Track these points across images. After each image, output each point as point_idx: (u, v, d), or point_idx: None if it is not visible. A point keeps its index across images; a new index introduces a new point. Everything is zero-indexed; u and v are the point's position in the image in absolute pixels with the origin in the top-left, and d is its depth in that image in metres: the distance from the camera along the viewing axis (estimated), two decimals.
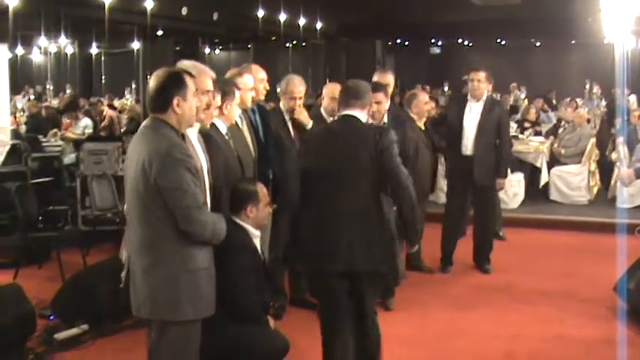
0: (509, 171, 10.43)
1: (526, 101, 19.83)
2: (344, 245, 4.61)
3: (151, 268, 3.75)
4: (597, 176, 11.48)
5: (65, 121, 13.89)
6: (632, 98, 17.39)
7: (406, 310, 6.70)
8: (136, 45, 23.93)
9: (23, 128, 14.33)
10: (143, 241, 3.77)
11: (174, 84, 3.74)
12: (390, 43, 29.32)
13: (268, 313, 4.70)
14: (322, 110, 6.78)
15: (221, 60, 32.68)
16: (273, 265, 5.64)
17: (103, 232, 8.74)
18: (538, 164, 11.21)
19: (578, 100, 19.12)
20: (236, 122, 5.13)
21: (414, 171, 7.21)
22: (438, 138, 8.07)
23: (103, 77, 29.12)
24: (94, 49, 28.40)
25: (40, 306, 6.29)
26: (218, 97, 4.43)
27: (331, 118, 6.58)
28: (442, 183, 9.55)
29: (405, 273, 7.65)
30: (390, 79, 6.94)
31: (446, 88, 24.89)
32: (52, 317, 6.21)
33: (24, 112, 16.89)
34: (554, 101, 20.79)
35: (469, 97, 7.79)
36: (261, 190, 4.65)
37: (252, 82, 5.60)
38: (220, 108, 4.69)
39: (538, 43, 32.19)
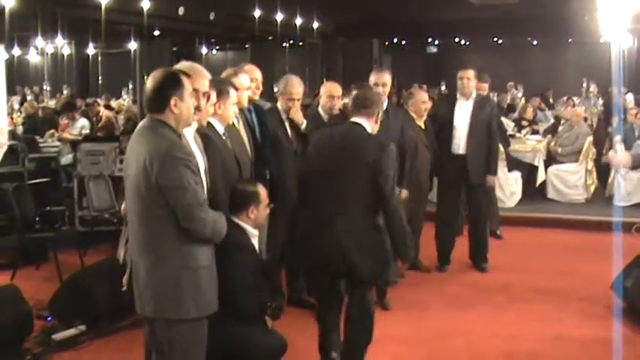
0: (506, 170, 10.53)
1: (523, 100, 19.84)
2: (335, 247, 4.72)
3: (153, 267, 3.77)
4: (594, 175, 11.49)
5: (62, 121, 13.87)
6: (629, 97, 17.42)
7: (404, 309, 6.70)
8: (132, 45, 23.95)
9: (20, 129, 14.31)
10: (144, 241, 3.79)
11: (171, 84, 3.77)
12: (386, 42, 29.36)
13: (266, 313, 4.70)
14: (320, 109, 6.78)
15: (218, 60, 32.68)
16: (270, 264, 5.64)
17: (101, 233, 8.72)
18: (535, 163, 11.22)
19: (575, 98, 19.16)
20: (233, 122, 5.13)
21: (413, 169, 7.26)
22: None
23: (100, 78, 29.11)
24: (90, 50, 28.43)
25: (38, 307, 6.27)
26: (213, 95, 4.43)
27: (328, 117, 6.61)
28: None
29: (404, 272, 7.66)
30: (387, 78, 6.94)
31: (443, 87, 24.90)
32: (49, 318, 6.20)
33: (21, 112, 16.87)
34: (551, 100, 20.81)
35: (458, 95, 7.78)
36: (262, 190, 4.68)
37: (248, 81, 5.61)
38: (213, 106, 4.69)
39: (535, 42, 32.27)
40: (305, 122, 6.37)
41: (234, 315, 4.34)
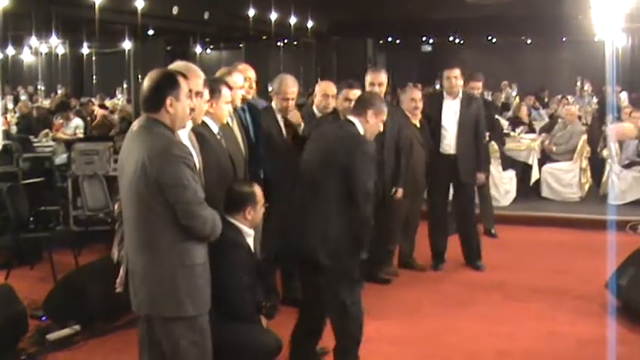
0: (500, 169, 10.54)
1: (517, 99, 19.85)
2: (307, 242, 4.83)
3: (149, 265, 3.78)
4: (588, 173, 11.50)
5: (56, 121, 13.86)
6: (623, 95, 17.46)
7: (398, 308, 6.71)
8: (127, 45, 23.91)
9: (14, 129, 14.29)
10: (141, 239, 3.80)
11: (167, 84, 3.79)
12: (381, 41, 29.37)
13: (261, 312, 4.70)
14: (314, 108, 6.79)
15: (212, 59, 32.64)
16: (265, 264, 5.64)
17: (95, 233, 8.71)
18: (529, 161, 11.23)
19: (569, 97, 19.17)
20: (227, 121, 5.13)
21: (409, 168, 7.27)
22: None
23: (94, 77, 29.06)
24: (85, 49, 28.37)
25: (32, 307, 6.27)
26: (206, 92, 4.44)
27: (322, 115, 6.61)
28: None
29: (397, 271, 7.67)
30: (383, 77, 6.95)
31: (437, 86, 24.89)
32: (43, 318, 6.19)
33: (15, 112, 16.84)
34: (545, 99, 20.84)
35: (445, 94, 7.78)
36: (258, 191, 4.69)
37: (242, 80, 5.61)
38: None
39: (529, 41, 32.28)
40: (302, 125, 6.37)
41: (228, 314, 4.35)
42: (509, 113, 15.68)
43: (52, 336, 5.83)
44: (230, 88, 5.01)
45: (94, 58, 29.27)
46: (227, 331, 4.31)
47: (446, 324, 6.31)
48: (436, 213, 7.96)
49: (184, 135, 4.13)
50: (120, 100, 21.98)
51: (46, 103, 21.11)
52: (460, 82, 7.69)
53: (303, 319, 5.25)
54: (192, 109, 4.03)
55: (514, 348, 5.76)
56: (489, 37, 31.78)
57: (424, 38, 33.22)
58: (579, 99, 19.79)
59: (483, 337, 5.99)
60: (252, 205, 4.62)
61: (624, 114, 12.07)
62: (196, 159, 4.12)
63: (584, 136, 11.70)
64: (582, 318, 6.39)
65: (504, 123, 13.07)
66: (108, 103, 20.16)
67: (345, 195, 4.76)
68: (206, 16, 22.62)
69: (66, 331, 5.90)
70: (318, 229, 4.77)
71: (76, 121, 13.64)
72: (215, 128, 4.82)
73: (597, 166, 11.68)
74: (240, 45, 29.12)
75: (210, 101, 4.65)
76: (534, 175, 11.26)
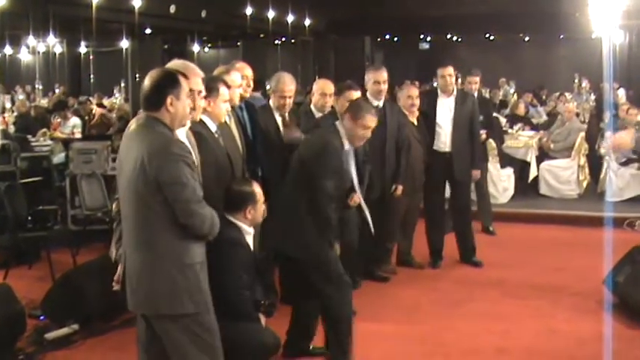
0: (498, 166, 10.55)
1: (515, 96, 19.87)
2: (280, 235, 5.22)
3: (148, 263, 3.77)
4: (587, 170, 11.50)
5: (54, 120, 13.84)
6: (621, 92, 17.47)
7: (396, 305, 6.71)
8: (124, 44, 23.88)
9: (12, 128, 14.27)
10: (140, 238, 3.80)
11: (168, 83, 3.80)
12: (379, 39, 29.32)
13: (259, 311, 4.70)
14: (312, 107, 6.79)
15: (210, 58, 32.60)
16: (264, 262, 5.64)
17: (93, 232, 8.71)
18: (528, 159, 11.24)
19: (567, 94, 19.19)
20: (225, 120, 5.12)
21: (409, 166, 7.28)
22: None
23: (92, 76, 29.01)
24: (82, 48, 28.35)
25: (30, 306, 6.27)
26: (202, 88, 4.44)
27: (320, 114, 6.61)
28: None
29: (396, 269, 7.67)
30: (385, 76, 6.99)
31: (435, 84, 24.91)
32: (42, 317, 6.19)
33: (13, 111, 16.82)
34: (543, 96, 20.85)
35: (439, 92, 7.78)
36: (258, 190, 4.72)
37: (240, 79, 5.60)
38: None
39: (527, 38, 32.26)
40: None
41: (227, 313, 4.34)
42: (507, 110, 15.68)
43: (50, 335, 5.84)
44: (228, 86, 5.01)
45: (91, 57, 29.21)
46: (226, 329, 4.31)
47: (444, 321, 6.31)
48: (433, 211, 7.97)
49: (182, 133, 4.13)
50: (117, 99, 21.97)
51: (44, 102, 21.09)
52: (453, 80, 7.71)
53: (294, 317, 5.44)
54: (192, 109, 4.03)
55: (512, 345, 5.76)
56: (487, 35, 31.75)
57: (422, 36, 33.20)
58: (577, 96, 19.83)
59: (481, 335, 5.99)
60: (253, 205, 4.64)
61: (622, 111, 12.08)
62: (194, 157, 4.12)
63: (582, 134, 11.71)
64: (580, 315, 6.40)
65: (502, 120, 13.08)
66: (106, 102, 20.14)
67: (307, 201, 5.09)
68: (203, 14, 22.62)
69: (64, 331, 5.90)
70: (289, 226, 5.06)
71: (74, 120, 13.63)
72: (213, 127, 4.81)
73: (595, 163, 11.69)
74: (238, 43, 29.04)
75: (208, 100, 4.65)
76: (532, 173, 11.27)
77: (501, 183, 10.76)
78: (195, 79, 4.23)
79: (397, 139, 7.07)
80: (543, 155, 11.67)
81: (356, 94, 6.38)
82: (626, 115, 11.79)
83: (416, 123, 7.61)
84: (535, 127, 13.51)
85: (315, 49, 24.10)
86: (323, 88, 6.72)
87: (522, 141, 11.58)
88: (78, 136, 12.83)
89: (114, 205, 4.80)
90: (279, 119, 6.32)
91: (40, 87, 24.81)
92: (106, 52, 28.36)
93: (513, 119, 13.42)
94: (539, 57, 31.67)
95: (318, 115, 6.61)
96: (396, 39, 32.39)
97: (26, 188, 8.53)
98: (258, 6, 22.95)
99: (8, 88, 24.97)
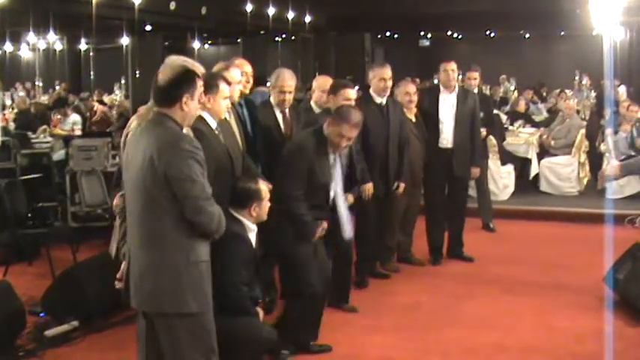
0: (499, 163, 10.54)
1: (515, 93, 19.86)
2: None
3: (153, 261, 3.74)
4: (587, 167, 11.49)
5: (54, 117, 13.84)
6: (622, 89, 17.44)
7: (396, 302, 6.71)
8: (124, 40, 23.85)
9: (12, 125, 14.27)
10: (146, 235, 3.76)
11: (186, 81, 3.76)
12: (379, 35, 29.31)
13: (257, 306, 4.71)
14: (313, 103, 6.77)
15: (210, 54, 32.58)
16: (264, 259, 5.64)
17: (93, 229, 8.72)
18: (528, 156, 11.24)
19: (567, 91, 19.17)
20: (225, 116, 5.12)
21: (410, 163, 7.28)
22: None
23: (92, 73, 29.00)
24: (82, 45, 28.33)
25: (30, 303, 6.27)
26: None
27: (320, 111, 6.60)
28: None
29: (398, 267, 7.67)
30: (390, 73, 6.98)
31: (435, 81, 24.88)
32: (42, 314, 6.18)
33: (13, 108, 16.82)
34: (544, 93, 20.83)
35: (442, 88, 7.77)
36: (264, 187, 4.75)
37: (240, 75, 5.59)
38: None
39: (527, 35, 32.25)
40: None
41: (224, 305, 4.34)
42: (508, 107, 15.67)
43: (50, 332, 5.83)
44: (228, 83, 5.00)
45: (91, 54, 29.19)
46: (222, 322, 4.31)
47: (444, 318, 6.31)
48: (433, 208, 7.96)
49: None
50: (118, 95, 21.96)
51: (44, 99, 21.08)
52: (457, 75, 7.71)
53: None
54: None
55: (512, 342, 5.76)
56: (488, 32, 31.74)
57: (422, 33, 33.19)
58: (578, 93, 19.81)
59: (481, 331, 5.99)
60: (258, 202, 4.67)
61: (622, 108, 12.07)
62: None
63: (583, 130, 11.70)
64: (580, 312, 6.40)
65: (503, 117, 13.08)
66: (106, 99, 20.15)
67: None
68: (204, 11, 22.58)
69: (64, 328, 5.90)
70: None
71: (74, 117, 13.62)
72: (213, 123, 4.81)
73: (595, 160, 11.68)
74: (238, 40, 29.07)
75: (207, 97, 4.64)
76: (533, 170, 11.28)
77: (502, 180, 10.75)
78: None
79: (400, 135, 7.07)
80: (544, 152, 11.67)
81: (351, 92, 6.35)
82: (626, 112, 11.78)
83: (414, 119, 7.60)
84: (535, 124, 13.51)
85: (315, 45, 24.09)
86: (323, 85, 6.71)
87: (523, 138, 11.57)
88: (78, 133, 12.85)
89: (114, 202, 4.80)
90: (279, 116, 6.30)
91: (40, 84, 24.79)
92: (106, 49, 28.36)
93: (514, 116, 13.41)
94: (539, 54, 31.69)
95: (318, 111, 6.60)
96: (396, 36, 32.37)
97: (26, 185, 8.52)
98: (258, 3, 22.92)
99: (8, 85, 24.97)
